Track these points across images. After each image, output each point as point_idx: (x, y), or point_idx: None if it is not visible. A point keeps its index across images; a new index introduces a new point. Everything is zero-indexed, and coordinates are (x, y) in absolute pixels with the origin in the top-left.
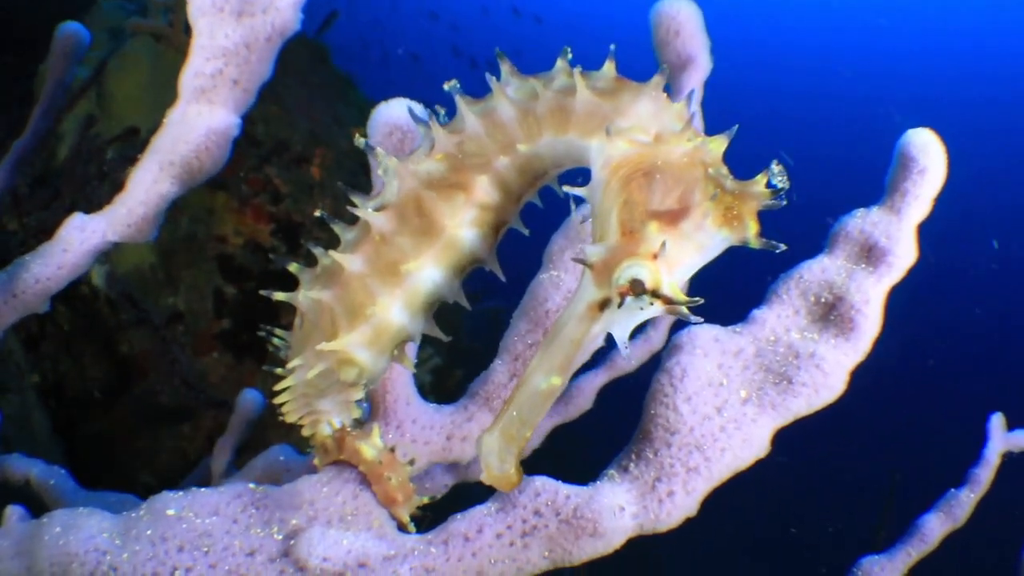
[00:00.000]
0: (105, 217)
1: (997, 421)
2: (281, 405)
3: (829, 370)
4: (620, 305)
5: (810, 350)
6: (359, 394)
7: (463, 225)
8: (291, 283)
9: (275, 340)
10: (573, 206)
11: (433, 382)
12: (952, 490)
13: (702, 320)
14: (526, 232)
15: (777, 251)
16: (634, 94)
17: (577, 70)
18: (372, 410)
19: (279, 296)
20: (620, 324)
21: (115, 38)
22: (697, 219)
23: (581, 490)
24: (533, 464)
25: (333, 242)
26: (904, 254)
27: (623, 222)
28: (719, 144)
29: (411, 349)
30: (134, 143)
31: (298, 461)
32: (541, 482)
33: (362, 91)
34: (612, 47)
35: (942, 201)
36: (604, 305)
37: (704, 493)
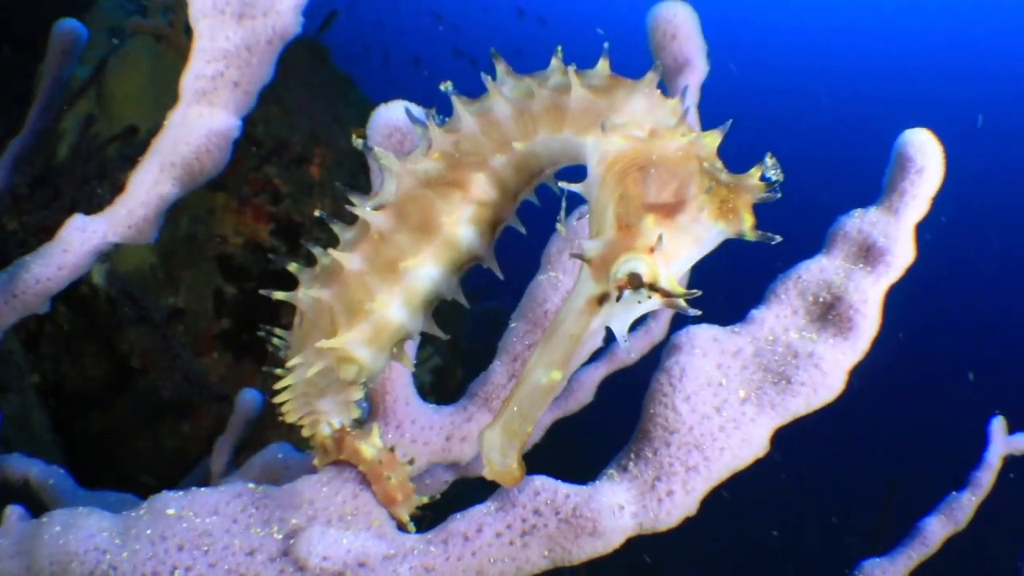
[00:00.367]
0: (105, 218)
1: (998, 424)
2: (281, 405)
3: (828, 369)
4: (618, 299)
5: (808, 350)
6: (358, 394)
7: (460, 222)
8: (291, 283)
9: (275, 340)
10: (564, 205)
11: (433, 382)
12: (953, 493)
13: (700, 313)
14: (523, 230)
15: (773, 243)
16: (628, 91)
17: (572, 68)
18: (371, 410)
19: (279, 295)
20: (619, 318)
21: (115, 38)
22: (693, 212)
23: (580, 489)
24: (532, 463)
25: (333, 242)
26: (902, 254)
27: (619, 216)
28: (713, 139)
29: (411, 348)
30: (134, 142)
31: (297, 458)
32: (540, 481)
33: (362, 91)
34: (606, 45)
35: (942, 200)
36: (603, 299)
37: (703, 492)
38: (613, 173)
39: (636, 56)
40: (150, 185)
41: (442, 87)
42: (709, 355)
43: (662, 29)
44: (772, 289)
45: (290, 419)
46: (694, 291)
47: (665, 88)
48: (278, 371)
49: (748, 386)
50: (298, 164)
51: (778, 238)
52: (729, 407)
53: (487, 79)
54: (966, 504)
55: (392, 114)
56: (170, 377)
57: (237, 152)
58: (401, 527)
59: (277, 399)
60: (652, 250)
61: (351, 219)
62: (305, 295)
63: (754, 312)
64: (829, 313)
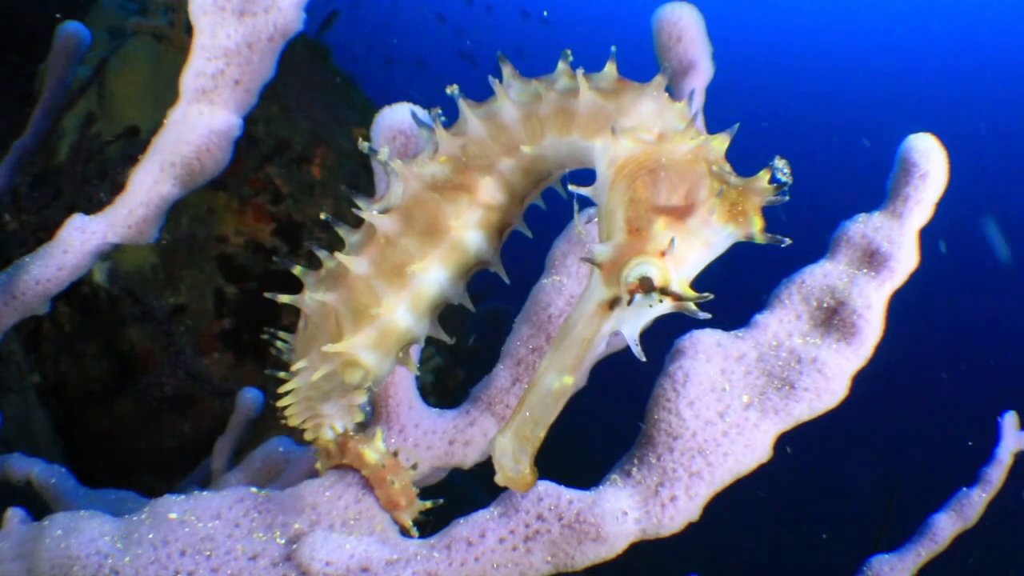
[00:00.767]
0: (106, 218)
1: (1010, 420)
2: (284, 408)
3: (831, 375)
4: (630, 303)
5: (812, 355)
6: (362, 398)
7: (468, 227)
8: (293, 283)
9: (278, 343)
10: (576, 207)
11: (434, 382)
12: (963, 489)
13: (710, 316)
14: (529, 234)
15: (782, 245)
16: (636, 94)
17: (580, 71)
18: (375, 414)
19: (284, 299)
20: (630, 322)
21: (116, 37)
22: (703, 215)
23: (584, 495)
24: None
25: (334, 242)
26: (906, 259)
27: (630, 220)
28: (721, 142)
29: (414, 351)
30: (135, 142)
31: (297, 452)
32: (544, 487)
33: (363, 91)
34: (613, 49)
35: (950, 199)
36: (614, 304)
37: (707, 498)
38: (622, 177)
39: (643, 58)
40: (150, 185)
41: (448, 91)
42: (713, 360)
43: (667, 31)
44: (776, 294)
45: (293, 422)
46: (706, 294)
47: (671, 90)
48: (281, 374)
49: (752, 391)
50: (299, 164)
51: (787, 240)
52: (732, 412)
53: (494, 82)
54: (976, 501)
55: (396, 117)
56: (173, 374)
57: (238, 152)
58: (404, 532)
59: (281, 403)
60: (663, 254)
61: (355, 221)
62: (311, 299)
63: (758, 317)
64: (833, 318)
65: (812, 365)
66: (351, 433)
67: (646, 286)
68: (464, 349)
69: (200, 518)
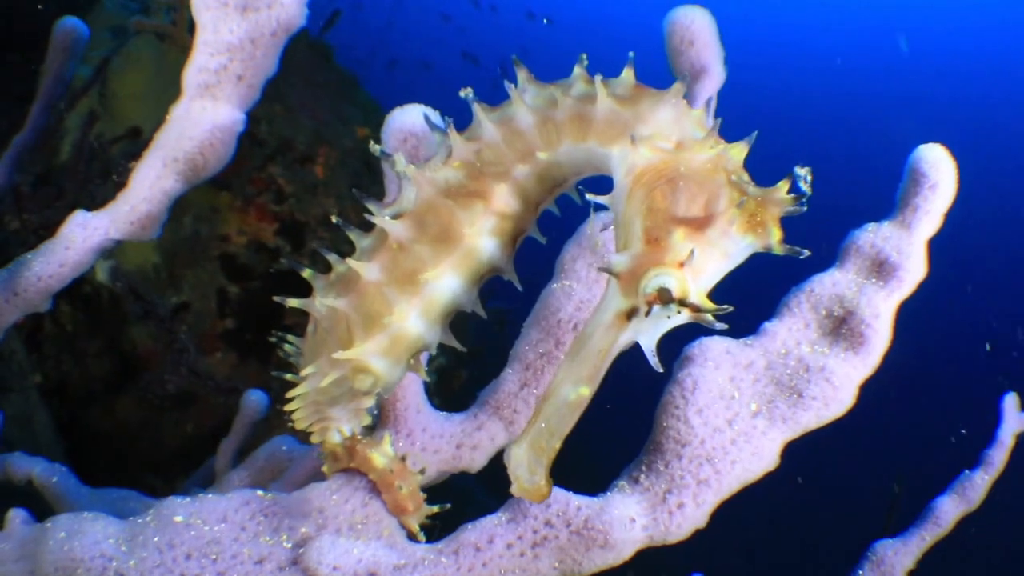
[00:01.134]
0: (108, 214)
1: (1011, 401)
2: (292, 412)
3: (839, 384)
4: (647, 314)
5: (820, 364)
6: (370, 402)
7: (482, 234)
8: (296, 282)
9: (286, 346)
10: (593, 212)
11: (437, 383)
12: (966, 471)
13: (727, 327)
14: (543, 240)
15: (801, 256)
16: (654, 101)
17: (598, 77)
18: (381, 418)
19: (293, 303)
20: (647, 333)
21: (118, 37)
22: (723, 226)
23: (592, 501)
24: None
25: (337, 242)
26: (915, 269)
27: (648, 230)
28: (740, 151)
29: (423, 356)
30: (137, 142)
31: (301, 451)
32: (552, 493)
33: (366, 90)
34: (631, 55)
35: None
36: (631, 314)
37: (714, 505)
38: (641, 185)
39: (640, 58)
40: (153, 180)
41: (462, 94)
42: (722, 368)
43: (679, 35)
44: (785, 302)
45: (300, 426)
46: (725, 306)
47: (686, 96)
48: (289, 377)
49: (760, 399)
50: (302, 163)
51: (806, 252)
52: (741, 420)
53: (510, 87)
54: (979, 483)
55: (408, 119)
56: (175, 372)
57: (240, 151)
58: (411, 537)
59: (288, 407)
60: (682, 265)
61: (362, 222)
62: (321, 304)
63: (767, 325)
64: (841, 327)
65: (820, 374)
66: (359, 437)
67: (664, 297)
68: (468, 350)
69: (206, 521)
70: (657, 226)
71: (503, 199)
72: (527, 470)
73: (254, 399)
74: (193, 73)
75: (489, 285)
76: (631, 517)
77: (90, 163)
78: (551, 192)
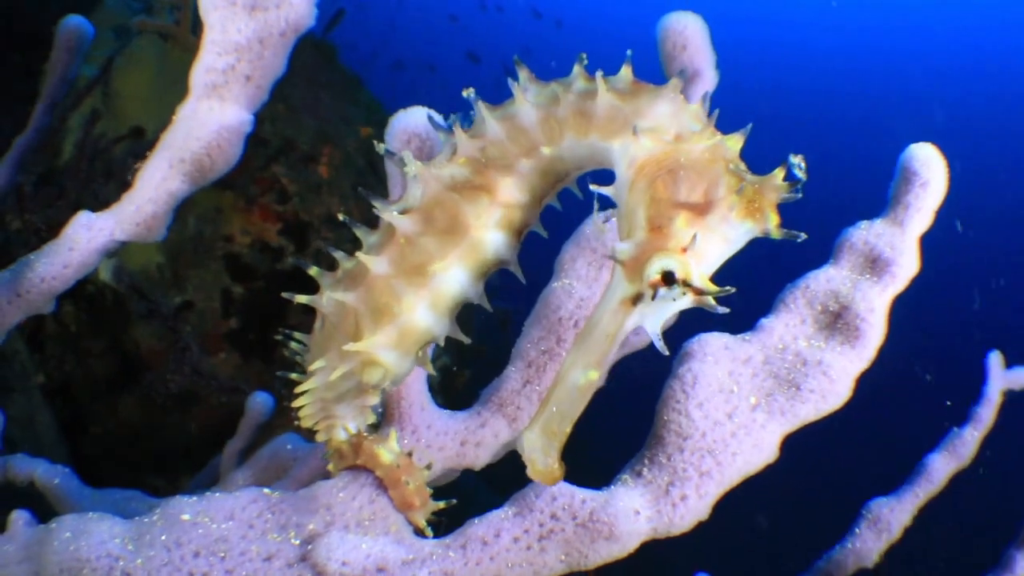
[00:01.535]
0: (113, 215)
1: (995, 359)
2: (299, 409)
3: (836, 377)
4: (653, 298)
5: (817, 358)
6: (375, 399)
7: (488, 226)
8: (300, 282)
9: (293, 344)
10: (596, 206)
11: (441, 381)
12: (955, 428)
13: (729, 311)
14: (544, 234)
15: (798, 240)
16: (652, 96)
17: (599, 73)
18: (386, 416)
19: (301, 299)
20: (652, 317)
21: (121, 36)
22: (722, 212)
23: (597, 494)
24: None
25: (341, 241)
26: (907, 264)
27: (651, 218)
28: (736, 141)
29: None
30: (140, 142)
31: (305, 449)
32: (558, 486)
33: (369, 90)
34: (629, 52)
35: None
36: (637, 299)
37: (716, 497)
38: (642, 176)
39: (640, 59)
40: (159, 181)
41: (465, 94)
42: (721, 363)
43: (672, 40)
44: (781, 298)
45: (306, 424)
46: (728, 288)
47: None
48: (294, 376)
49: (759, 393)
50: (305, 163)
51: (803, 235)
52: (740, 413)
53: (514, 85)
54: (968, 439)
55: (411, 120)
56: (178, 371)
57: (244, 151)
58: (418, 532)
59: (296, 402)
60: (684, 250)
61: (367, 221)
62: (329, 299)
63: (764, 321)
64: (837, 322)
65: (817, 367)
66: (364, 434)
67: (668, 280)
68: (471, 349)
69: (213, 519)
70: (659, 214)
71: (508, 192)
72: (541, 453)
73: (259, 401)
74: (200, 73)
75: (493, 285)
76: (635, 509)
77: (92, 163)
78: (554, 186)
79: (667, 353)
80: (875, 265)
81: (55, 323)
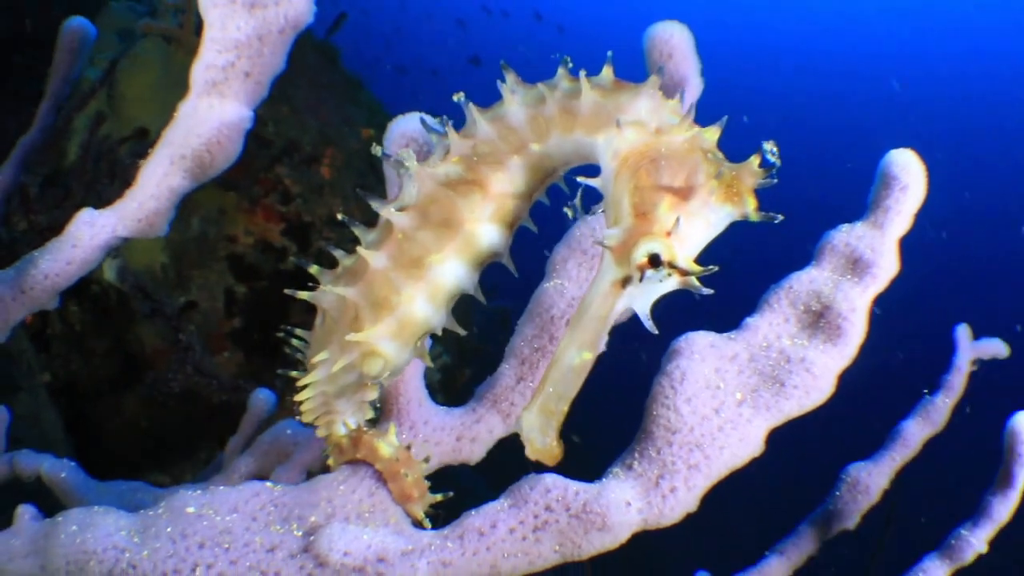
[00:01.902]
0: (115, 212)
1: (963, 331)
2: (301, 403)
3: (818, 373)
4: (640, 280)
5: (800, 355)
6: (374, 394)
7: (482, 220)
8: (302, 282)
9: (293, 341)
10: (580, 195)
11: (442, 380)
12: (927, 396)
13: (713, 292)
14: (534, 229)
15: (775, 221)
16: (633, 93)
17: (583, 73)
18: (384, 412)
19: (303, 295)
20: (641, 298)
21: (125, 39)
22: (703, 197)
23: (589, 487)
24: (538, 463)
25: (343, 241)
26: (887, 266)
27: (636, 205)
28: (713, 133)
29: (426, 343)
30: (144, 142)
31: (306, 434)
32: (551, 479)
33: (371, 92)
34: (609, 53)
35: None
36: (626, 282)
37: (704, 489)
38: (626, 167)
39: (639, 61)
40: (160, 178)
41: (455, 98)
42: (708, 360)
43: (659, 48)
44: (765, 298)
45: (307, 419)
46: (711, 267)
47: None
48: (293, 374)
49: (744, 389)
50: (308, 164)
51: (780, 217)
52: (727, 409)
53: (503, 86)
54: (941, 406)
55: (408, 125)
56: (181, 370)
57: (247, 153)
58: (417, 524)
59: (299, 396)
60: (668, 234)
61: (367, 220)
62: (330, 293)
63: (748, 320)
64: (819, 321)
65: (801, 364)
66: (364, 429)
67: (655, 261)
68: (471, 348)
69: (217, 512)
70: (644, 201)
71: (500, 187)
72: (539, 432)
73: (262, 398)
74: (201, 70)
75: (491, 284)
76: (627, 501)
77: (97, 164)
78: (543, 182)
79: (656, 332)
80: (856, 266)
81: (61, 322)
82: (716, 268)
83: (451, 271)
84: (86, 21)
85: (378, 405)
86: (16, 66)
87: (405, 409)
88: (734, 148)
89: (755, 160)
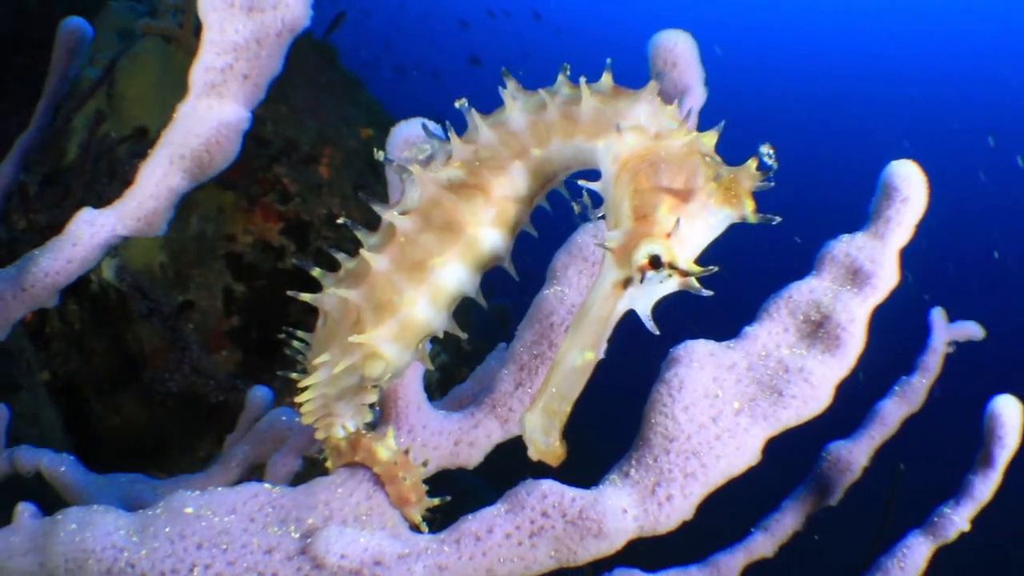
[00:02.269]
0: (115, 211)
1: (938, 313)
2: (302, 405)
3: (816, 383)
4: (641, 281)
5: (799, 365)
6: (373, 397)
7: (484, 224)
8: (301, 282)
9: (294, 343)
10: (587, 199)
11: (440, 379)
12: (903, 376)
13: (712, 294)
14: (535, 233)
15: (773, 223)
16: (632, 99)
17: (583, 79)
18: (383, 415)
19: (305, 297)
20: (641, 300)
21: (125, 39)
22: (702, 199)
23: (586, 493)
24: (537, 468)
25: (342, 241)
26: (887, 277)
27: (636, 208)
28: (711, 137)
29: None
30: (143, 142)
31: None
32: (548, 485)
33: (370, 92)
34: (608, 60)
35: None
36: (627, 284)
37: (700, 497)
38: (626, 171)
39: (643, 61)
40: (159, 177)
41: (457, 104)
42: (706, 368)
43: (663, 57)
44: (764, 308)
45: (307, 420)
46: (711, 268)
47: None
48: (293, 375)
49: (742, 398)
50: (307, 164)
51: (777, 219)
52: (724, 417)
53: (504, 92)
54: (918, 386)
55: (410, 130)
56: (178, 369)
57: (246, 152)
58: (414, 527)
59: (299, 398)
60: (668, 236)
61: (367, 222)
62: (332, 295)
63: (747, 329)
64: (818, 331)
65: (799, 374)
66: (363, 432)
67: (655, 263)
68: (469, 347)
69: (216, 513)
70: (644, 204)
71: (501, 191)
72: (542, 433)
73: (259, 395)
74: (199, 72)
75: (490, 283)
76: (623, 508)
77: (97, 163)
78: (543, 187)
79: (657, 332)
80: (856, 277)
81: (60, 321)
82: (716, 269)
83: (453, 274)
84: (83, 21)
85: (377, 409)
86: (17, 66)
87: (404, 413)
88: (735, 148)
89: (752, 163)
